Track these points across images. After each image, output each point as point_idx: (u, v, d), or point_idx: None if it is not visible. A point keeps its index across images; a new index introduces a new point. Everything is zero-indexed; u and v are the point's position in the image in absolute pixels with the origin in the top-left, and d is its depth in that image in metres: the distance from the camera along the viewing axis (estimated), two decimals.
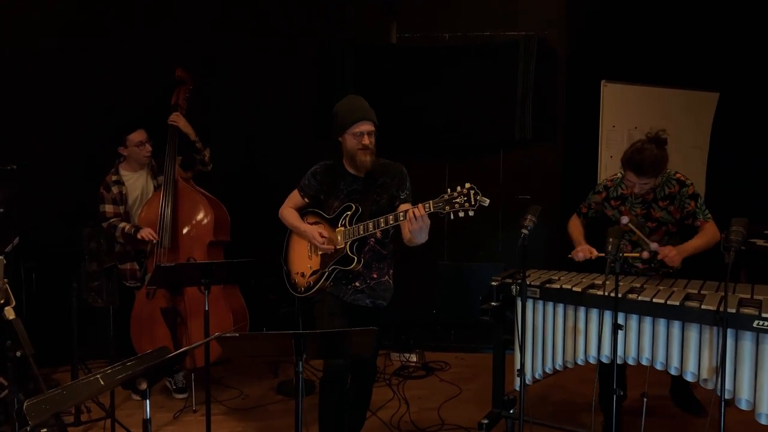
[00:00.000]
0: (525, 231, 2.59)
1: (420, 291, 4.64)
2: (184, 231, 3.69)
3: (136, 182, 3.80)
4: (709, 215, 3.03)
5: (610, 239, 2.41)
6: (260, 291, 4.42)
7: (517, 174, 4.63)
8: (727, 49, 4.90)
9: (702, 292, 2.63)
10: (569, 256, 3.12)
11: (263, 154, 4.78)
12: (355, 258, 2.66)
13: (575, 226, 3.27)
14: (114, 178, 3.73)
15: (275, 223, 3.04)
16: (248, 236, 4.17)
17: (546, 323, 2.90)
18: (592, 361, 2.77)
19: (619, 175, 3.21)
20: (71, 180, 4.23)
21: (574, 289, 2.74)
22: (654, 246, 2.91)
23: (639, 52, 4.74)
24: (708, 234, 2.99)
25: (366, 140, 2.64)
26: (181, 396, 3.74)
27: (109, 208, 3.71)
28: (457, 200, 2.32)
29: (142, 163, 3.78)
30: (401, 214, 2.47)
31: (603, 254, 2.98)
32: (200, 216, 3.70)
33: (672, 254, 2.84)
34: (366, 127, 2.64)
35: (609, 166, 4.77)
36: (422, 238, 2.49)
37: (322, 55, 4.70)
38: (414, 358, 4.47)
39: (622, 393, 2.46)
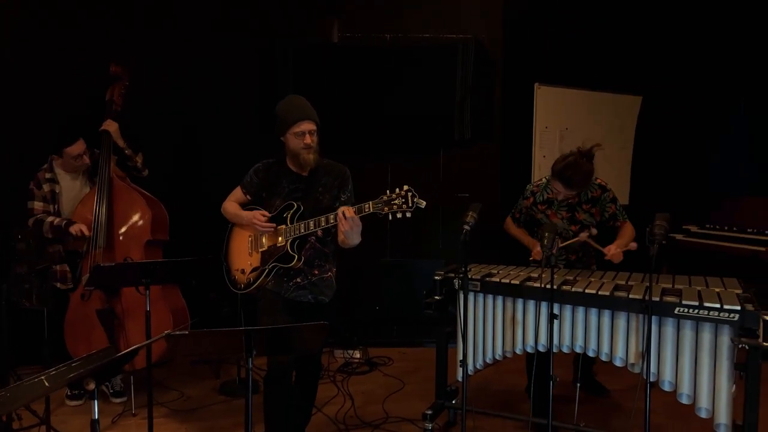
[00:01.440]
0: (467, 227, 2.68)
1: (363, 288, 4.70)
2: (121, 230, 3.60)
3: (72, 183, 3.67)
4: (626, 216, 3.26)
5: (546, 234, 2.54)
6: (201, 290, 4.35)
7: (456, 173, 4.76)
8: (649, 55, 5.21)
9: (629, 282, 2.81)
10: (531, 258, 3.27)
11: (205, 150, 4.70)
12: (296, 255, 2.67)
13: (516, 229, 3.43)
14: (48, 175, 3.58)
15: (218, 221, 3.02)
16: (189, 235, 4.10)
17: (486, 315, 3.02)
18: (529, 350, 2.91)
19: (544, 180, 3.37)
20: None
21: (513, 282, 2.86)
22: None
23: (570, 57, 4.97)
24: (629, 231, 3.23)
25: (308, 139, 2.67)
26: (119, 400, 3.64)
27: (38, 205, 3.56)
28: (395, 201, 2.39)
29: (77, 170, 3.65)
30: (332, 215, 2.52)
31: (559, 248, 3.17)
32: (137, 215, 3.61)
33: (617, 253, 3.03)
34: (307, 126, 2.67)
35: (543, 165, 4.97)
36: (354, 239, 2.53)
37: (264, 54, 4.67)
38: (357, 354, 4.51)
39: (557, 379, 2.59)
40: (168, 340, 1.80)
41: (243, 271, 2.83)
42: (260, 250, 2.79)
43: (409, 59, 4.64)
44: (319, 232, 2.71)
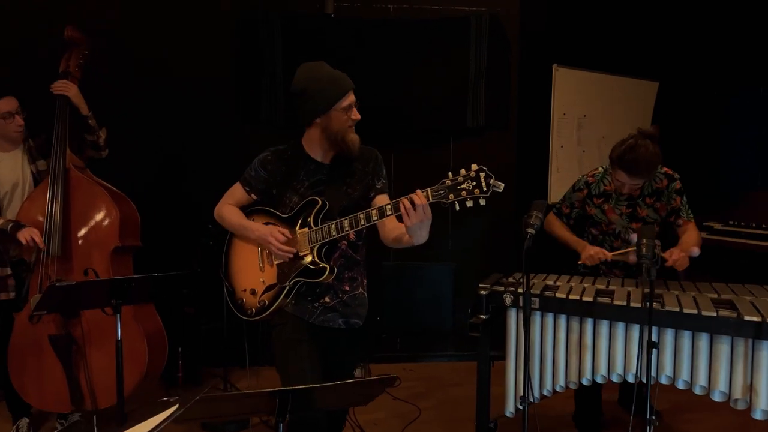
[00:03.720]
0: (531, 231, 2.17)
1: None
2: (80, 234, 2.88)
3: (10, 164, 2.94)
4: (692, 215, 2.77)
5: (644, 240, 2.01)
6: (174, 304, 3.67)
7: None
8: (668, 39, 4.80)
9: (723, 296, 2.32)
10: (579, 262, 2.74)
11: (180, 142, 3.99)
12: (327, 266, 2.06)
13: (562, 227, 2.91)
14: None
15: (200, 221, 2.38)
16: (164, 240, 3.41)
17: (545, 338, 2.48)
18: (600, 380, 2.40)
19: (600, 169, 2.89)
20: None
21: (585, 298, 2.33)
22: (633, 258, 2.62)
23: (588, 37, 4.50)
24: (694, 233, 2.74)
25: (356, 112, 2.11)
26: None
27: None
28: (464, 186, 1.82)
29: (11, 139, 2.92)
30: (388, 206, 1.93)
31: (618, 256, 2.67)
32: (101, 214, 2.90)
33: (682, 258, 2.52)
34: (353, 97, 2.11)
35: (560, 156, 4.49)
36: (422, 236, 1.95)
37: (243, 27, 3.98)
38: (358, 372, 3.91)
39: (653, 418, 2.07)
40: (200, 403, 1.20)
41: (254, 292, 2.19)
42: (276, 262, 2.16)
43: (416, 34, 4.04)
44: (352, 235, 2.11)
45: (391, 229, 2.09)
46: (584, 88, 4.52)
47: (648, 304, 1.97)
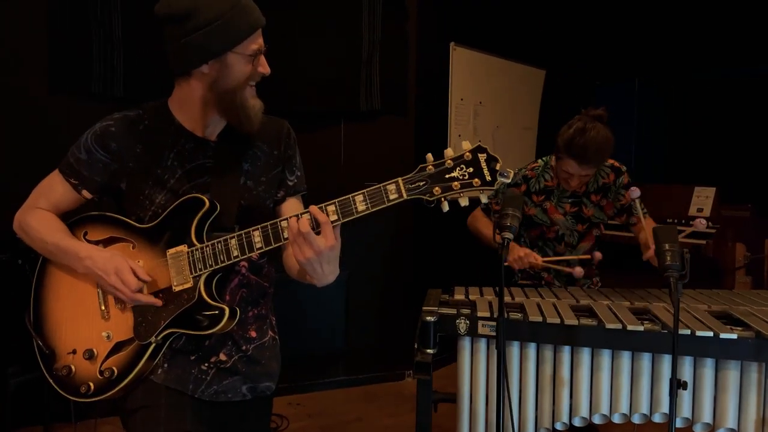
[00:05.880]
0: (509, 235, 1.59)
1: None
2: None
3: None
4: (647, 212, 2.38)
5: (667, 245, 1.49)
6: None
7: (361, 153, 3.54)
8: (553, 25, 4.58)
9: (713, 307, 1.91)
10: (506, 263, 2.19)
11: None
12: (224, 308, 1.28)
13: (489, 225, 2.38)
14: None
15: None
16: None
17: (510, 374, 1.89)
18: (577, 423, 1.87)
19: (540, 162, 2.42)
20: None
21: (568, 322, 1.78)
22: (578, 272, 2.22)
23: (484, 16, 4.09)
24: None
25: (266, 63, 1.36)
26: None
27: None
28: (455, 174, 1.19)
29: None
30: (303, 218, 1.21)
31: (552, 264, 2.22)
32: None
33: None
34: (261, 38, 1.35)
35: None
36: (327, 275, 1.24)
37: None
38: None
39: None
40: None
41: (91, 355, 1.33)
42: (131, 304, 1.31)
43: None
44: (255, 255, 1.34)
45: (293, 259, 1.36)
46: (480, 71, 4.10)
47: (673, 329, 1.46)
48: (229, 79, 1.29)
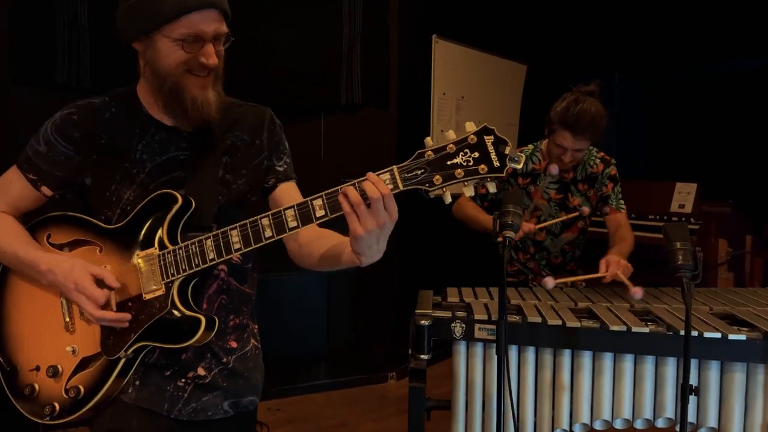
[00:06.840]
0: (510, 234, 1.49)
1: None
2: None
3: None
4: (623, 206, 2.32)
5: (678, 243, 1.41)
6: None
7: (342, 147, 3.41)
8: (534, 19, 4.51)
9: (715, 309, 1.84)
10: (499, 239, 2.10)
11: None
12: (200, 318, 1.15)
13: (476, 208, 2.34)
14: None
15: None
16: None
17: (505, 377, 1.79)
18: (578, 430, 1.78)
19: (530, 146, 2.36)
20: None
21: (570, 324, 1.68)
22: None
23: (465, 9, 3.99)
24: (628, 229, 2.27)
25: (212, 55, 1.17)
26: None
27: None
28: (458, 160, 1.05)
29: None
30: (317, 202, 1.10)
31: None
32: None
33: (622, 265, 1.99)
34: (213, 22, 1.17)
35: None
36: (377, 253, 1.12)
37: None
38: None
39: None
40: None
41: (55, 373, 1.19)
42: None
43: None
44: (236, 257, 1.21)
45: (309, 241, 1.25)
46: (462, 65, 4.01)
47: (685, 330, 1.37)
48: (159, 62, 1.16)
